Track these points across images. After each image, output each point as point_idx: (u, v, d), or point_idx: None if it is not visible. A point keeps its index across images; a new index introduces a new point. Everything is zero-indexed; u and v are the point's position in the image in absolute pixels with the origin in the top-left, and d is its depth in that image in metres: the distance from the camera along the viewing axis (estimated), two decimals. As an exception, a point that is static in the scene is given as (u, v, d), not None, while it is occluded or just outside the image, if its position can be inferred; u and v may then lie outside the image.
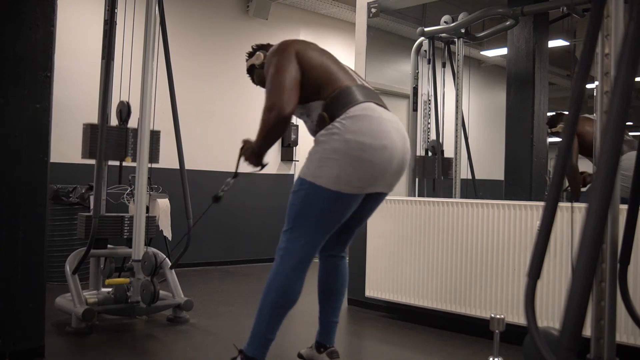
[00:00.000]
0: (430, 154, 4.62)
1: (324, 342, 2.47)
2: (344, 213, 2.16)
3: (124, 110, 3.48)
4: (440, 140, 4.62)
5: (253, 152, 2.24)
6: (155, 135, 3.46)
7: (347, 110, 2.07)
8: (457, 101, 4.52)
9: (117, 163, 3.56)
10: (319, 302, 2.47)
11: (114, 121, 3.49)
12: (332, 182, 2.04)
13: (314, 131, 2.22)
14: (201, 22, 5.95)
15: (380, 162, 2.07)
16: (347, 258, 2.50)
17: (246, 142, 2.28)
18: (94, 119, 3.53)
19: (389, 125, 2.12)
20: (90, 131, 3.33)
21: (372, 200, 2.30)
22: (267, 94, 2.14)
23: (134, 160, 3.41)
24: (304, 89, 2.18)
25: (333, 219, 2.15)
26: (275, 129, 2.11)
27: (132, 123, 3.49)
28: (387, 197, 3.55)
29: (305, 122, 2.29)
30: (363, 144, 2.03)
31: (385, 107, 2.22)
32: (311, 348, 2.52)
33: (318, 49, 2.32)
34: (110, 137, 3.36)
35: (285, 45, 2.24)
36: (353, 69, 2.49)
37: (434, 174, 4.54)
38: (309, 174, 2.09)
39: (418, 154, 4.57)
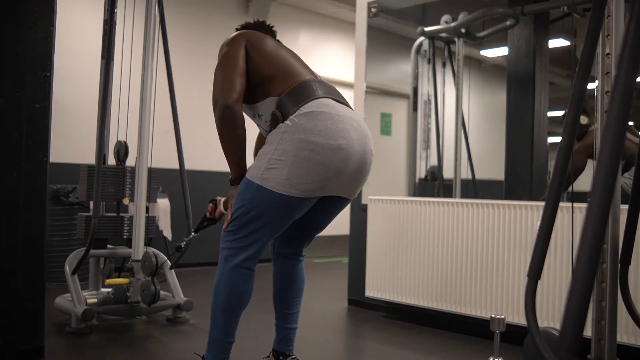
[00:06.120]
0: (429, 179, 4.57)
1: (283, 350, 2.29)
2: (292, 215, 2.03)
3: (122, 150, 3.47)
4: (440, 141, 4.62)
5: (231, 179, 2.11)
6: (153, 174, 3.43)
7: (302, 106, 1.93)
8: (457, 101, 4.52)
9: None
10: (274, 307, 2.30)
11: (111, 159, 3.49)
12: (280, 185, 1.91)
13: (267, 132, 2.06)
14: (201, 22, 5.95)
15: (335, 163, 1.92)
16: (304, 261, 2.35)
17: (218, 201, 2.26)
18: (93, 119, 3.52)
19: (348, 124, 1.96)
20: (87, 172, 3.32)
21: (332, 205, 2.14)
22: (213, 90, 2.04)
23: (131, 200, 3.40)
24: (255, 85, 2.06)
25: (280, 222, 2.03)
26: (226, 123, 1.97)
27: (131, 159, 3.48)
28: (387, 197, 3.59)
29: (259, 124, 2.15)
30: (315, 143, 1.88)
31: (347, 105, 2.08)
32: (268, 358, 2.34)
33: (275, 42, 2.19)
34: (108, 177, 3.35)
35: (234, 36, 2.12)
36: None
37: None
38: (256, 177, 1.95)
39: (417, 177, 4.51)
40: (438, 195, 4.47)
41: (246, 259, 2.01)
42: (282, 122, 1.95)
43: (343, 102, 2.07)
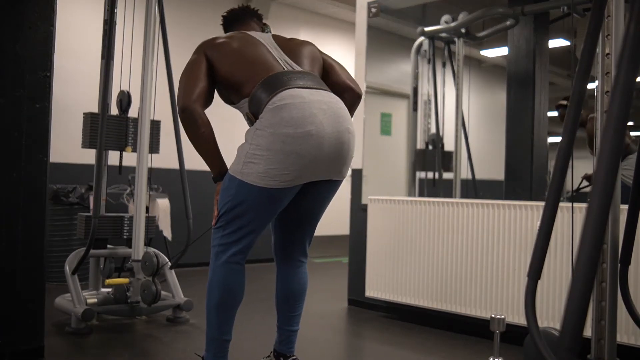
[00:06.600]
0: (430, 147, 4.63)
1: (284, 351, 2.30)
2: (276, 207, 2.08)
3: (125, 100, 3.49)
4: (440, 141, 4.62)
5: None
6: (155, 125, 3.46)
7: (268, 102, 1.98)
8: (457, 101, 4.52)
9: (117, 153, 3.55)
10: (277, 309, 2.32)
11: (114, 111, 3.50)
12: (259, 178, 1.98)
13: None
14: (201, 21, 5.95)
15: (307, 150, 1.96)
16: (307, 263, 2.35)
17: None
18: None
19: (315, 108, 1.98)
20: (90, 120, 3.34)
21: (322, 189, 2.15)
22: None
23: (134, 150, 3.41)
24: (230, 89, 2.14)
25: (265, 215, 2.08)
26: (187, 123, 2.07)
27: (132, 113, 3.49)
28: (387, 197, 3.59)
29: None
30: (286, 135, 1.94)
31: (319, 88, 2.07)
32: (269, 357, 2.36)
33: (242, 37, 2.20)
34: (111, 126, 3.37)
35: (195, 49, 2.19)
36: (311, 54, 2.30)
37: (433, 167, 4.55)
38: (237, 171, 2.03)
39: (418, 147, 4.59)
40: (437, 165, 4.52)
41: (235, 254, 2.08)
42: (255, 121, 2.04)
43: (313, 87, 2.06)
